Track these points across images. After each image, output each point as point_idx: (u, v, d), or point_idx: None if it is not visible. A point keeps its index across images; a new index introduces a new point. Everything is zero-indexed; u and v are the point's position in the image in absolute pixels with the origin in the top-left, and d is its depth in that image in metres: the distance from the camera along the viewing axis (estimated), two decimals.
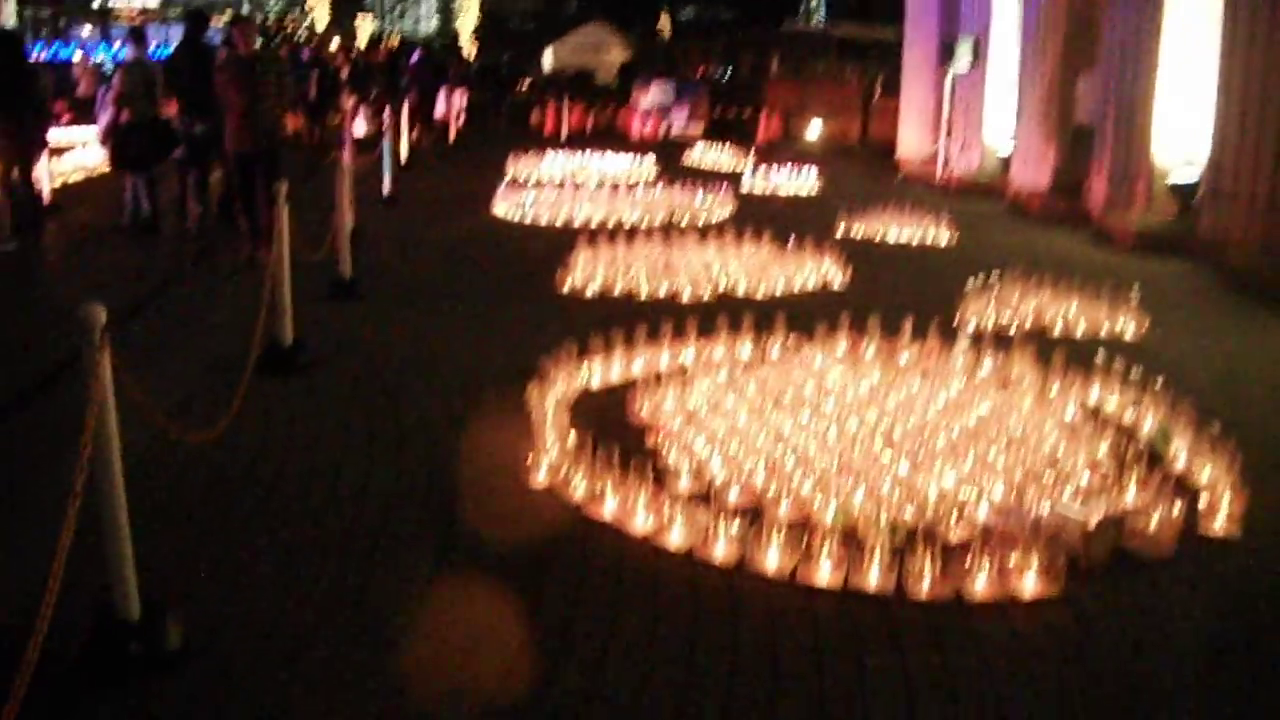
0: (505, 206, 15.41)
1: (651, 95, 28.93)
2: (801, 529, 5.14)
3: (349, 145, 13.89)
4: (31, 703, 3.73)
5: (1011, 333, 8.90)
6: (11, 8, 44.65)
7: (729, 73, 36.63)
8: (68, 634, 4.12)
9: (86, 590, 4.11)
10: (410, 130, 21.77)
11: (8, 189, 11.92)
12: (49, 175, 14.05)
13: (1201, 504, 5.64)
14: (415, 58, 26.29)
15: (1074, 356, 7.69)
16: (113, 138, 13.07)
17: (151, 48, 16.73)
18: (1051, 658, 4.35)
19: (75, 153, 18.60)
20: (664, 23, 79.65)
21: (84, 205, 14.67)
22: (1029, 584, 4.81)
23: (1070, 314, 9.51)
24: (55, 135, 14.74)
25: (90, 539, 3.96)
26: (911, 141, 21.72)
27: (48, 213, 13.54)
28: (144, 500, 5.47)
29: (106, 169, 15.25)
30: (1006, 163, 18.24)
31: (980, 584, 4.79)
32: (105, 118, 13.48)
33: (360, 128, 22.38)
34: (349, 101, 23.35)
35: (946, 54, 18.94)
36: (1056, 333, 9.19)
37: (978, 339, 8.03)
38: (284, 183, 7.84)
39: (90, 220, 13.87)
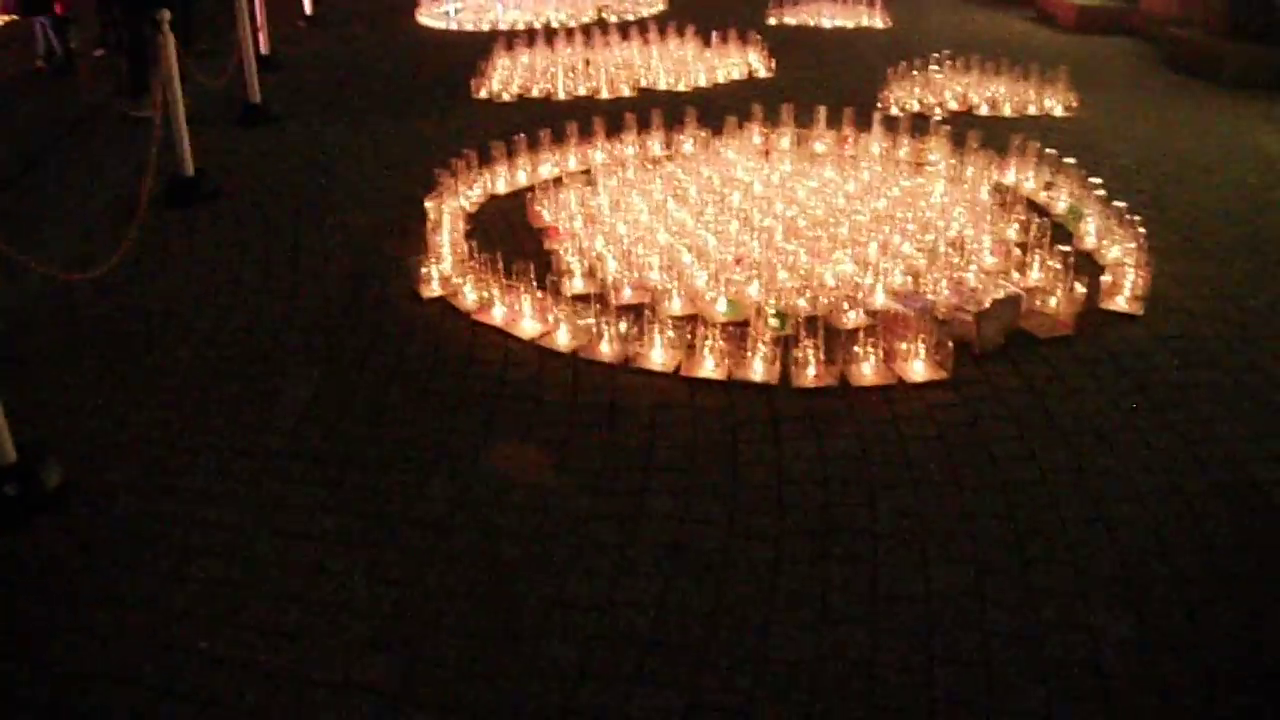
0: (431, 16, 14.86)
1: None
2: (691, 324, 5.01)
3: None
4: None
5: (935, 115, 8.65)
6: None
7: None
8: None
9: None
10: None
11: None
12: None
13: (1105, 282, 5.51)
14: None
15: (996, 137, 7.47)
16: None
17: None
18: (931, 440, 4.27)
19: None
20: None
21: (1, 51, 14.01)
22: (916, 369, 4.71)
23: (999, 94, 9.25)
24: None
25: None
26: None
27: None
28: (33, 344, 5.34)
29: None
30: None
31: (866, 370, 4.69)
32: None
33: None
34: None
35: None
36: (983, 114, 8.95)
37: (897, 123, 7.77)
38: (164, 11, 7.39)
39: (3, 67, 13.25)
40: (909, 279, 5.50)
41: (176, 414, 4.66)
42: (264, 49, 11.73)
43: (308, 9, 15.43)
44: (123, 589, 3.56)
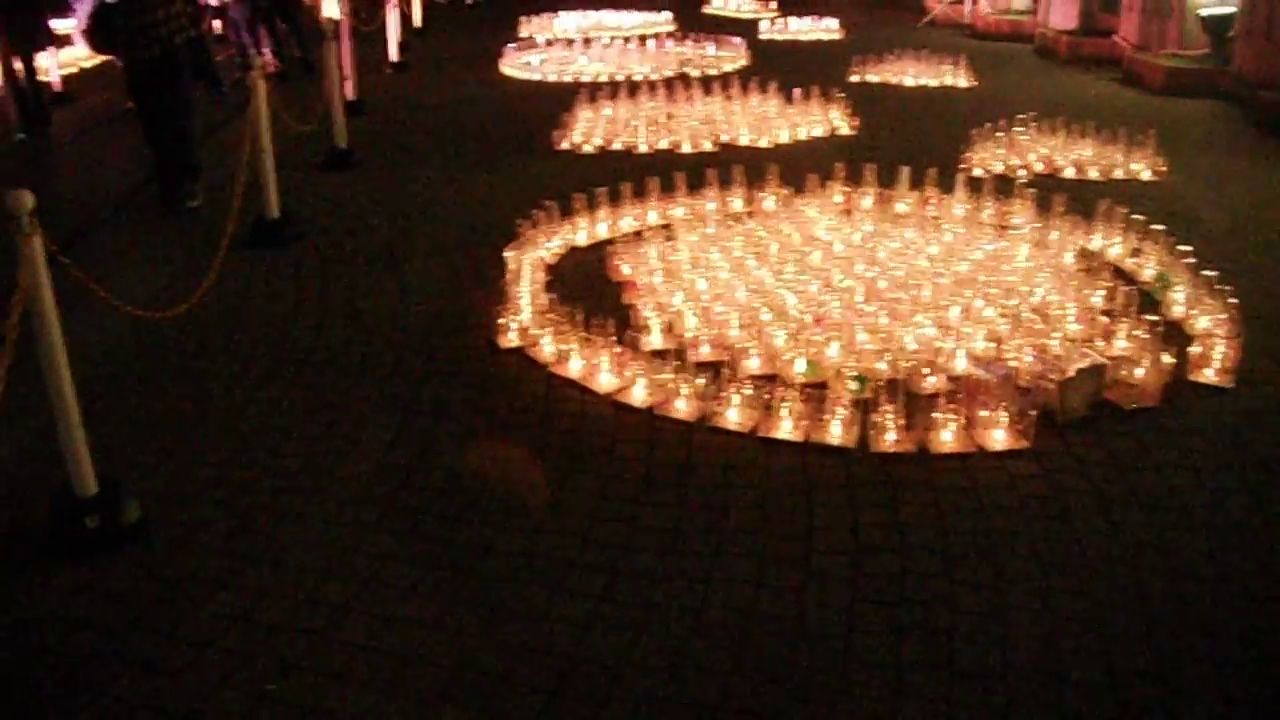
0: (514, 66, 15.06)
1: None
2: (768, 383, 4.97)
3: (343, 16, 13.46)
4: None
5: (1019, 177, 8.56)
6: None
7: None
8: (31, 511, 4.14)
9: (53, 470, 4.12)
10: None
11: (13, 80, 11.71)
12: (58, 64, 13.89)
13: (1193, 353, 5.39)
14: None
15: (1082, 202, 7.39)
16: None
17: None
18: (1012, 511, 4.18)
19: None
20: None
21: (106, 91, 14.36)
22: (997, 436, 4.63)
23: (1085, 157, 9.14)
24: (65, 24, 14.39)
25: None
26: None
27: (59, 102, 13.36)
28: (113, 381, 5.46)
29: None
30: (1035, 1, 17.51)
31: (947, 437, 4.62)
32: (84, 6, 13.11)
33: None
34: None
35: None
36: (1068, 176, 8.85)
37: (980, 184, 7.71)
38: (263, 55, 7.58)
39: (101, 106, 13.60)
40: (991, 345, 5.42)
41: (254, 455, 4.72)
42: (351, 95, 11.97)
43: (394, 56, 15.73)
44: (193, 628, 3.58)
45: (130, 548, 4.05)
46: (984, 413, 4.71)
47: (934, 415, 4.68)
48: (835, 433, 4.68)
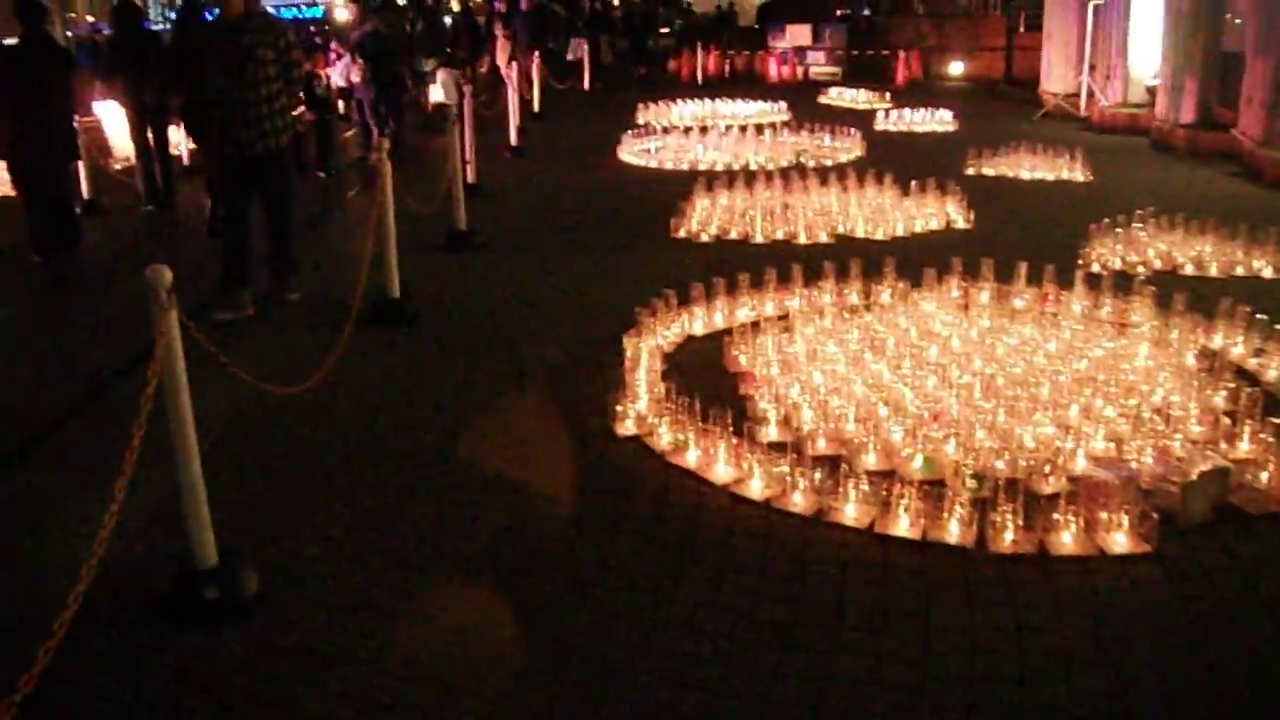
0: (632, 153, 15.36)
1: (789, 37, 28.38)
2: (885, 479, 4.99)
3: (456, 98, 13.89)
4: (111, 646, 3.91)
5: (1138, 274, 8.50)
6: None
7: (868, 11, 35.60)
8: (152, 580, 4.31)
9: (175, 540, 4.29)
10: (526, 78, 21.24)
11: (145, 153, 12.26)
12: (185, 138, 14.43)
13: None
14: (523, 6, 25.58)
15: (1202, 299, 7.31)
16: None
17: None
18: (1135, 617, 4.14)
19: None
20: None
21: None
22: (1119, 539, 4.59)
23: (1204, 254, 9.04)
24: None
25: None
26: (1055, 76, 20.85)
27: (187, 174, 13.95)
28: (235, 453, 5.67)
29: None
30: (1153, 94, 17.39)
31: (1066, 539, 4.59)
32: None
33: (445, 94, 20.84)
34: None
35: None
36: (1187, 273, 8.76)
37: (1099, 281, 7.67)
38: (384, 139, 7.89)
39: None
40: (1111, 445, 5.39)
41: (370, 531, 4.86)
42: (471, 178, 12.32)
43: (514, 141, 16.13)
44: (307, 703, 3.69)
45: (248, 619, 4.18)
46: (1104, 515, 4.68)
47: (1054, 516, 4.66)
48: (953, 531, 4.68)
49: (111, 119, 14.64)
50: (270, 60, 7.96)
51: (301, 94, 10.22)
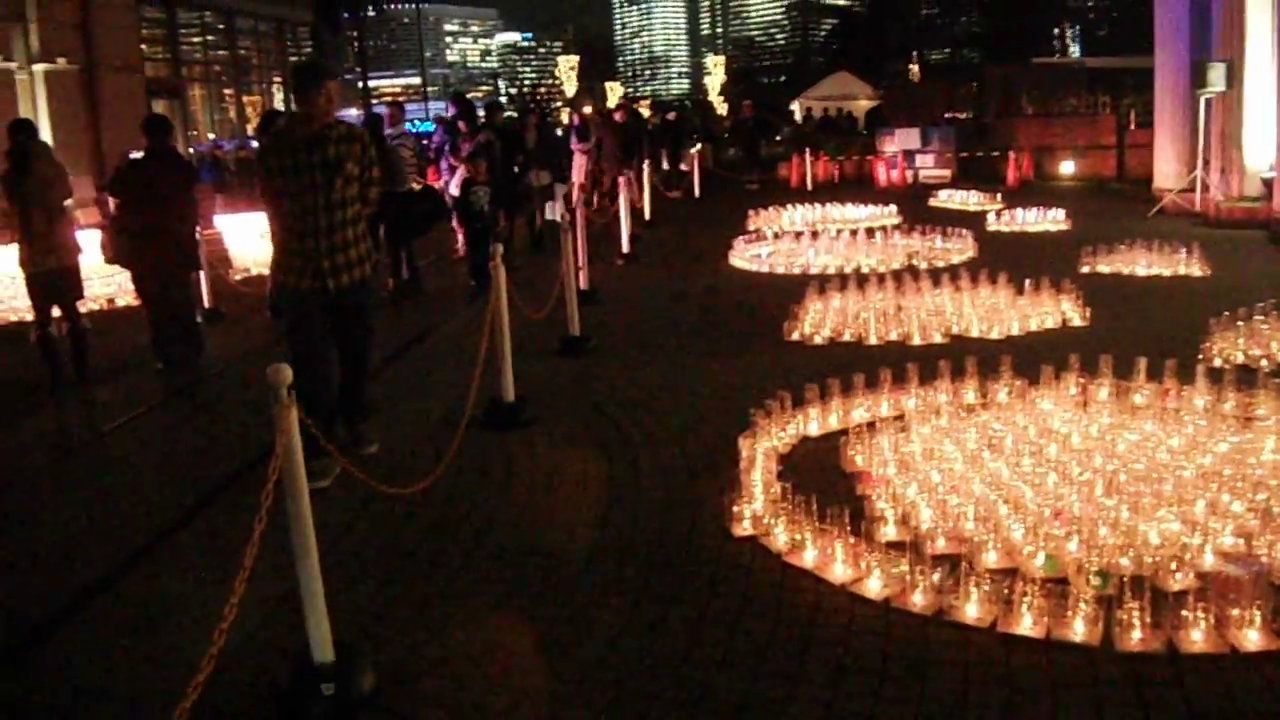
0: (743, 258, 15.53)
1: (897, 140, 28.54)
2: (1007, 578, 4.94)
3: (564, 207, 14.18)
4: None
5: (1261, 367, 8.33)
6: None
7: (977, 113, 35.72)
8: (268, 675, 4.43)
9: (291, 636, 4.38)
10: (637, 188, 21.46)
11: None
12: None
13: None
14: (617, 118, 24.42)
15: None
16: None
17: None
18: (1270, 717, 4.02)
19: None
20: (913, 66, 79.14)
21: None
22: (1251, 636, 4.48)
23: None
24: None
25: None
26: (1168, 172, 20.59)
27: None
28: (353, 551, 5.82)
29: None
30: (1269, 187, 17.10)
31: (1196, 636, 4.49)
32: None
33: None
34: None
35: (1199, 77, 17.90)
36: None
37: (1221, 375, 7.54)
38: (499, 245, 8.13)
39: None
40: (1240, 540, 5.27)
41: (486, 633, 4.93)
42: (583, 284, 12.55)
43: (625, 247, 16.41)
44: None
45: (363, 717, 4.26)
46: (1235, 611, 4.57)
47: (1182, 613, 4.57)
48: (1078, 629, 4.60)
49: (232, 232, 15.20)
50: (355, 176, 6.89)
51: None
